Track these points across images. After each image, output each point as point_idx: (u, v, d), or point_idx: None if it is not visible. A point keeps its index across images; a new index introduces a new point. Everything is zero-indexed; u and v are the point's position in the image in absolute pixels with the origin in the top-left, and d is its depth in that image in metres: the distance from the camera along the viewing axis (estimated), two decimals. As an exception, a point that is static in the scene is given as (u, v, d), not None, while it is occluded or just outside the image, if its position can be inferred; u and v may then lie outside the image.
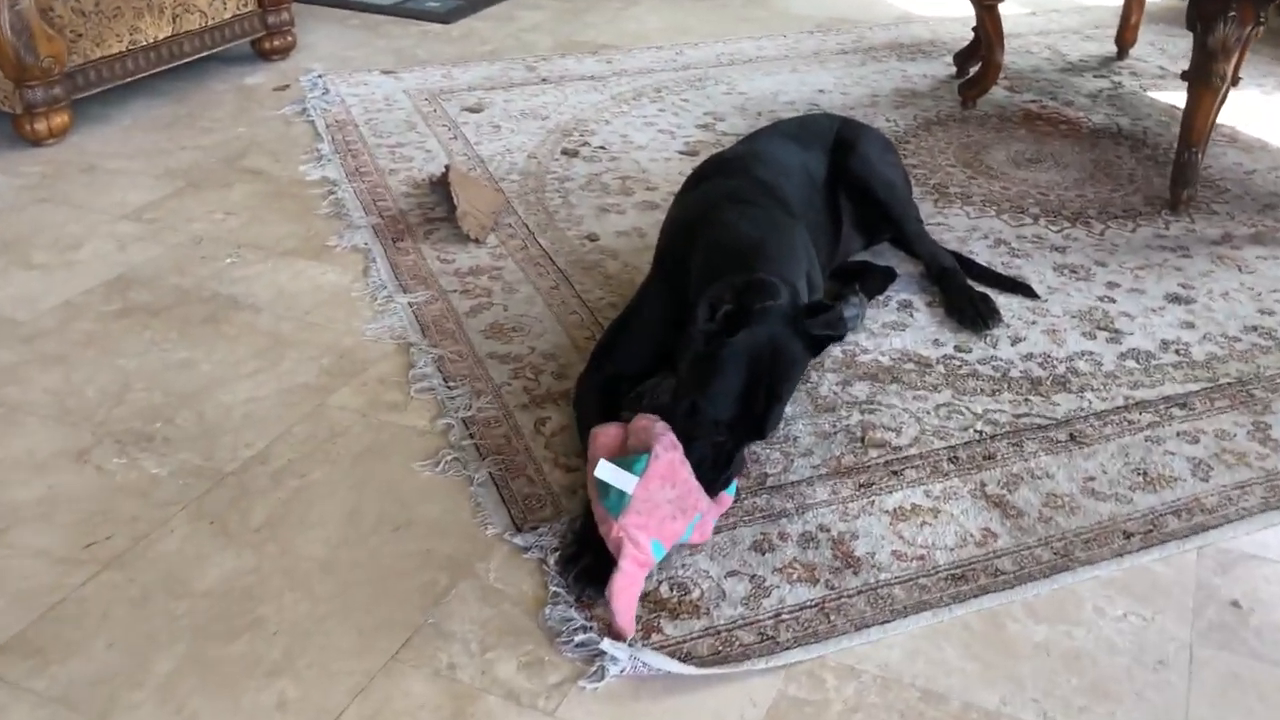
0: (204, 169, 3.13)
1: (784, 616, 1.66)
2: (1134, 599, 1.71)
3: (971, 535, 1.82)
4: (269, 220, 2.84)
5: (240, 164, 3.16)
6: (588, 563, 1.69)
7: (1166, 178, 3.05)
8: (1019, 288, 2.54)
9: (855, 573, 1.74)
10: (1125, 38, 4.12)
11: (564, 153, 3.26)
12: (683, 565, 1.75)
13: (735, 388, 1.76)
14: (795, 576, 1.73)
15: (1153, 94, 3.81)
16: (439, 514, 1.86)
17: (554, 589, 1.69)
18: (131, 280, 2.55)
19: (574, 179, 3.09)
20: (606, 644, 1.56)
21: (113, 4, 3.33)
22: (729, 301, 1.76)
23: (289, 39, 4.00)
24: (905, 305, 2.49)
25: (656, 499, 1.64)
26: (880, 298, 2.52)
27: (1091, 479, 1.96)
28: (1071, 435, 2.07)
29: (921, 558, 1.78)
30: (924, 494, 1.92)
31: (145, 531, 1.82)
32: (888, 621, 1.66)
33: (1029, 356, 2.30)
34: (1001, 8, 3.51)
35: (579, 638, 1.60)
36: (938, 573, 1.75)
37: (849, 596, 1.70)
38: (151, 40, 3.49)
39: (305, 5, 4.68)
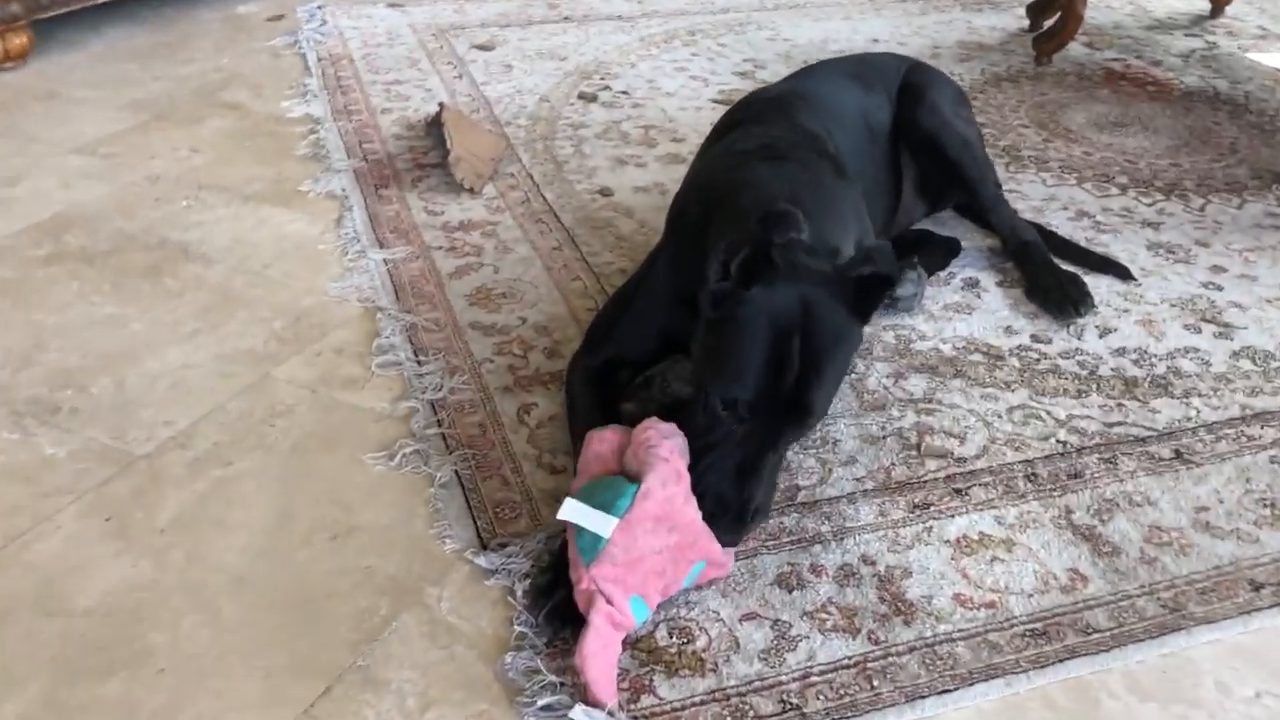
0: (174, 100, 2.77)
1: (813, 679, 1.28)
2: (1269, 674, 1.32)
3: (1055, 578, 1.44)
4: (238, 160, 2.48)
5: (217, 97, 2.80)
6: (563, 597, 1.32)
7: (1275, 148, 2.64)
8: (1111, 267, 2.14)
9: (907, 622, 1.36)
10: (1219, -7, 3.67)
11: (581, 96, 2.87)
12: (687, 603, 1.38)
13: (756, 355, 1.37)
14: (830, 624, 1.35)
15: (1253, 55, 3.37)
16: (388, 522, 1.50)
17: (519, 629, 1.33)
18: (69, 221, 2.20)
19: (590, 125, 2.70)
20: (579, 712, 1.19)
21: (85, -87, 2.96)
22: (743, 249, 1.38)
23: (289, -35, 3.62)
24: (971, 284, 2.09)
25: (642, 547, 1.28)
26: (942, 274, 2.12)
27: (1204, 509, 1.57)
28: (1177, 451, 1.68)
29: (992, 605, 1.39)
30: (994, 520, 1.53)
31: (23, 528, 1.47)
32: (948, 691, 1.28)
33: (1121, 351, 1.91)
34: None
35: (544, 700, 1.23)
36: (1012, 626, 1.37)
37: (898, 654, 1.32)
38: (130, -42, 3.11)
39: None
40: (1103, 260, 2.16)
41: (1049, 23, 3.31)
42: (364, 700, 1.24)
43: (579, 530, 1.31)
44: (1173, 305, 2.05)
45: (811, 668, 1.30)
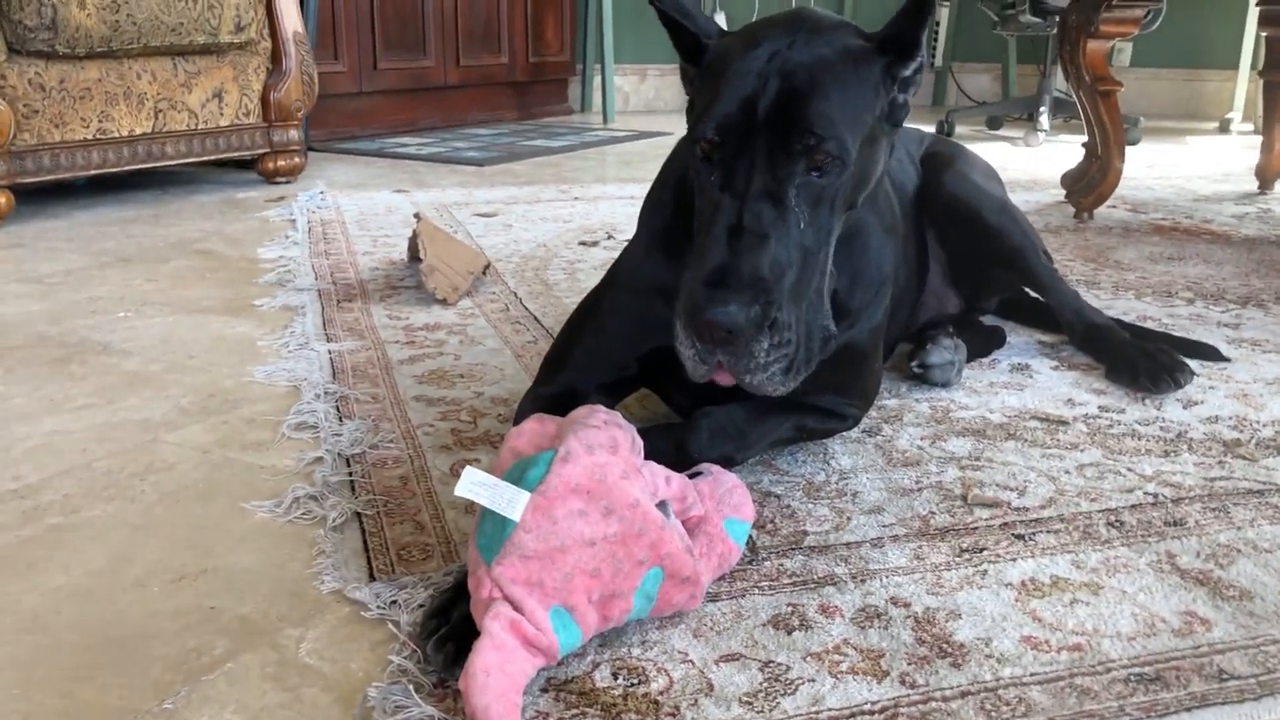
0: (144, 249, 2.58)
1: (819, 726, 0.86)
2: None
3: (1164, 620, 1.02)
4: (194, 286, 2.24)
5: (190, 247, 2.61)
6: (462, 617, 0.93)
7: (1358, 269, 2.33)
8: (1203, 350, 1.78)
9: (956, 665, 0.95)
10: (1270, 167, 3.47)
11: (581, 244, 2.65)
12: (642, 641, 0.98)
13: (732, 82, 1.07)
14: (845, 667, 0.94)
15: (1314, 214, 3.12)
16: (254, 564, 1.13)
17: (397, 662, 0.93)
18: (-15, 327, 1.94)
19: (586, 262, 2.46)
20: (454, 740, 0.78)
21: (81, 84, 2.89)
22: None
23: (296, 160, 3.55)
24: (1021, 368, 1.75)
25: (564, 534, 0.90)
26: (984, 360, 1.78)
27: (1359, 555, 1.15)
28: (1307, 502, 1.27)
29: (1077, 647, 0.98)
30: (1071, 564, 1.13)
31: None
32: (1022, 742, 0.85)
33: (1213, 420, 1.53)
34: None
35: (408, 732, 0.82)
36: (1109, 670, 0.94)
37: (944, 699, 0.90)
38: (126, 134, 3.03)
39: (327, 149, 4.31)
40: (1186, 343, 1.81)
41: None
42: (149, 747, 0.84)
43: (481, 524, 0.95)
44: (1270, 383, 1.69)
45: (817, 713, 0.88)
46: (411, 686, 0.89)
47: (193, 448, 1.42)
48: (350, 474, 1.32)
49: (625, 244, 1.43)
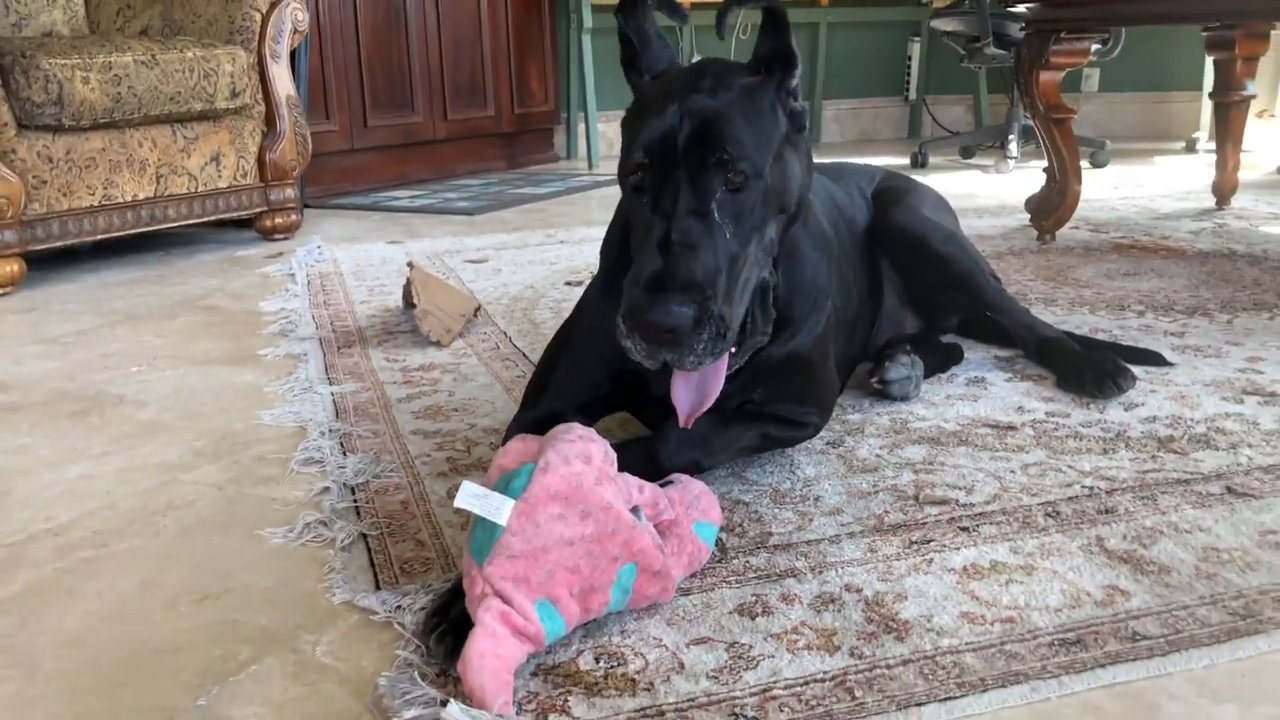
0: (151, 307, 2.71)
1: (777, 693, 0.98)
2: (1383, 667, 1.00)
3: (1089, 594, 1.15)
4: (201, 339, 2.37)
5: (195, 304, 2.74)
6: (459, 613, 1.05)
7: (1303, 277, 2.46)
8: (1147, 357, 1.91)
9: (900, 638, 1.07)
10: (1225, 185, 3.62)
11: (567, 284, 2.78)
12: (621, 630, 1.10)
13: (650, 118, 1.23)
14: (802, 644, 1.06)
15: (1267, 229, 3.26)
16: (272, 583, 1.25)
17: (404, 656, 1.05)
18: (7, 386, 2.07)
19: (571, 301, 2.57)
20: (452, 710, 0.90)
21: (86, 154, 3.04)
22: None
23: (292, 218, 3.69)
24: (976, 381, 1.88)
25: (547, 535, 1.03)
26: (942, 375, 1.90)
27: (1272, 532, 1.28)
28: (1229, 488, 1.40)
29: (1009, 620, 1.10)
30: (1009, 550, 1.25)
31: None
32: (953, 698, 0.97)
33: (1151, 419, 1.66)
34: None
35: (412, 712, 0.94)
36: (1037, 637, 1.06)
37: (888, 667, 1.02)
38: (130, 199, 3.17)
39: (322, 205, 4.46)
40: (1133, 350, 1.94)
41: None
42: (189, 735, 0.96)
43: (473, 531, 1.07)
44: (1207, 385, 1.81)
45: (775, 683, 1.00)
46: (417, 675, 1.01)
47: (209, 485, 1.55)
48: (355, 501, 1.44)
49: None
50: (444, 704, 0.91)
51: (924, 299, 2.00)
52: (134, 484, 1.56)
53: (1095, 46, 4.38)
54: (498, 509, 1.03)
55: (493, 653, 0.96)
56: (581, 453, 1.08)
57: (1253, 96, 3.49)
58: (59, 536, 1.39)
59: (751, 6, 1.30)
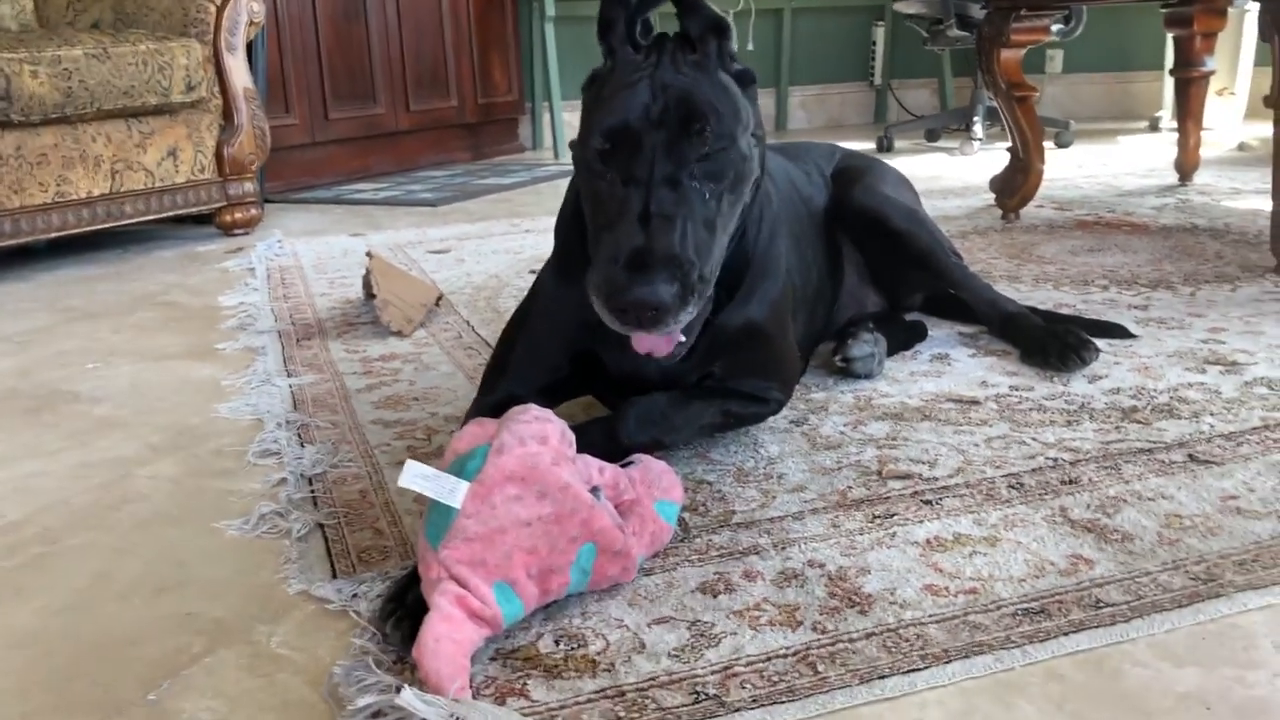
0: (107, 305, 2.67)
1: (738, 670, 0.97)
2: (1344, 627, 0.99)
3: (1051, 563, 1.14)
4: (158, 335, 2.34)
5: (153, 300, 2.70)
6: (415, 598, 1.03)
7: (1263, 254, 2.47)
8: (1108, 329, 1.91)
9: (863, 612, 1.06)
10: (1187, 162, 3.64)
11: (531, 272, 2.76)
12: (582, 612, 1.08)
13: (618, 98, 1.22)
14: (764, 620, 1.05)
15: (1229, 203, 3.27)
16: (227, 574, 1.22)
17: (360, 643, 1.03)
18: (-41, 385, 2.03)
19: (536, 288, 2.56)
20: (407, 696, 0.88)
21: (37, 150, 2.98)
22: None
23: (252, 212, 3.65)
24: (940, 357, 1.87)
25: (503, 516, 1.01)
26: (906, 353, 1.90)
27: (1233, 497, 1.28)
28: (1191, 456, 1.40)
29: (973, 591, 1.09)
30: (973, 523, 1.24)
31: None
32: (916, 670, 0.96)
33: (1115, 391, 1.66)
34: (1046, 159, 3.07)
35: (366, 699, 0.92)
36: (1000, 608, 1.06)
37: (850, 640, 1.01)
38: (84, 196, 3.12)
39: (284, 199, 4.41)
40: (1097, 324, 1.94)
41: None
42: (139, 729, 0.94)
43: (428, 515, 1.05)
44: (1170, 356, 1.82)
45: (737, 660, 0.99)
46: (373, 662, 0.99)
47: (164, 479, 1.52)
48: (313, 491, 1.42)
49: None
50: (398, 690, 0.89)
51: (886, 277, 2.00)
52: (88, 480, 1.53)
53: (1058, 26, 4.40)
54: (451, 491, 1.02)
55: (448, 637, 0.94)
56: (538, 434, 1.06)
57: (1212, 72, 3.50)
58: (9, 535, 1.36)
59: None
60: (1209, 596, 1.06)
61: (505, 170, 5.12)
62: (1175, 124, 3.67)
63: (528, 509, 1.02)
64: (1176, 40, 3.48)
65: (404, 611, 1.03)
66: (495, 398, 1.42)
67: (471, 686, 0.95)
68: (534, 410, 1.12)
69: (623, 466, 1.21)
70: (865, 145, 5.32)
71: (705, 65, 1.26)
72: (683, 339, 1.24)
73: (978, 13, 4.34)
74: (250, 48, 3.60)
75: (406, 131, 5.21)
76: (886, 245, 1.91)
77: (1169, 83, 5.60)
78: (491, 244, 3.20)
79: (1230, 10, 3.48)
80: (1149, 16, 5.76)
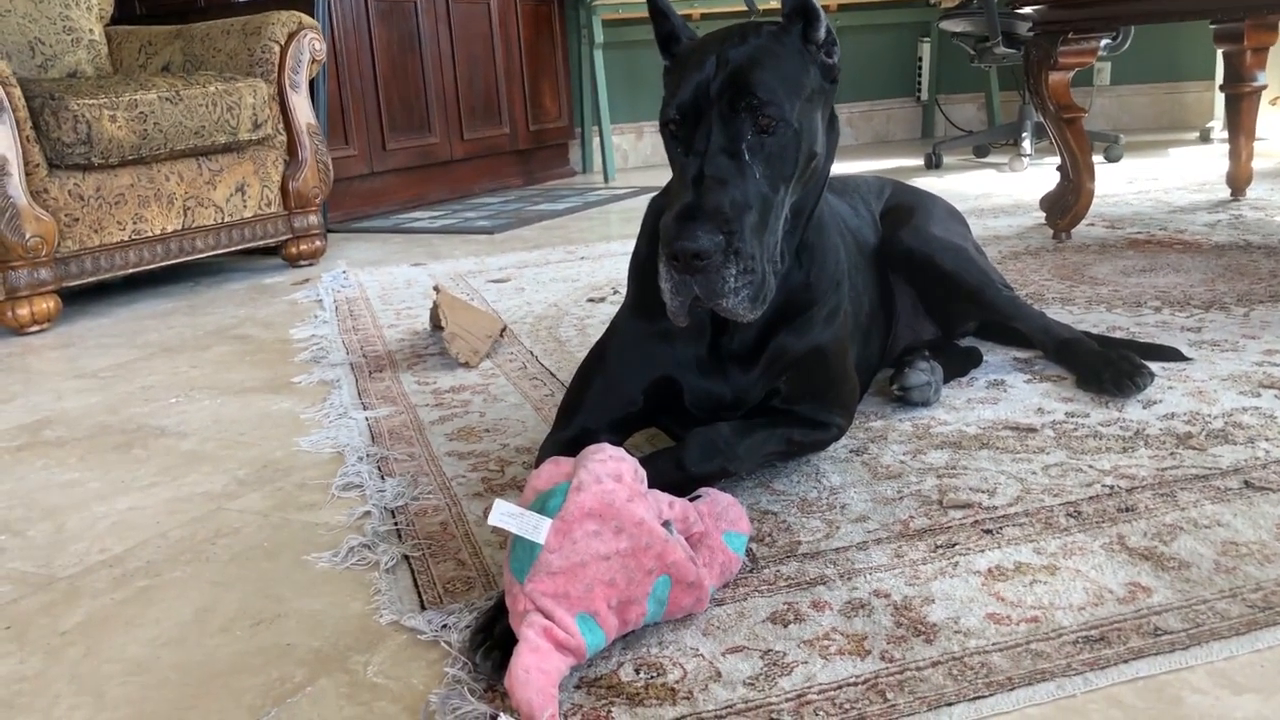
0: (184, 339, 2.78)
1: (811, 698, 1.02)
2: (1398, 654, 1.03)
3: (1110, 591, 1.18)
4: (236, 369, 2.43)
5: (227, 333, 2.81)
6: (504, 629, 1.10)
7: (1318, 267, 2.48)
8: (1165, 353, 1.95)
9: (929, 641, 1.11)
10: (1240, 176, 3.64)
11: (589, 300, 2.83)
12: (659, 642, 1.14)
13: (688, 72, 1.32)
14: (833, 649, 1.10)
15: (1283, 217, 3.27)
16: (322, 606, 1.30)
17: (453, 673, 1.09)
18: (51, 420, 2.13)
19: (595, 317, 2.64)
20: (503, 722, 0.95)
21: (115, 191, 3.11)
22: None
23: (317, 244, 3.76)
24: (996, 384, 1.91)
25: (584, 551, 1.07)
26: (963, 379, 1.94)
27: (1289, 524, 1.31)
28: (1247, 483, 1.43)
29: (1034, 620, 1.14)
30: (1033, 551, 1.29)
31: (-89, 642, 1.29)
32: (981, 697, 1.01)
33: (1169, 416, 1.69)
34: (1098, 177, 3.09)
35: (465, 724, 0.98)
36: (1061, 636, 1.10)
37: (918, 669, 1.06)
38: (159, 232, 3.25)
39: (345, 229, 4.52)
40: (1151, 347, 1.97)
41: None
42: (253, 755, 1.01)
43: (513, 550, 1.12)
44: (1224, 379, 1.84)
45: (810, 688, 1.04)
46: (466, 690, 1.05)
47: (254, 513, 1.60)
48: (396, 524, 1.49)
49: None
50: (494, 718, 0.95)
51: (938, 310, 2.04)
52: (182, 514, 1.61)
53: (1105, 42, 4.41)
54: (535, 528, 1.08)
55: (538, 667, 1.00)
56: (613, 472, 1.12)
57: (1263, 87, 3.50)
58: (114, 568, 1.45)
59: None
60: (1267, 624, 1.10)
61: (557, 195, 5.21)
62: (1226, 135, 3.68)
63: (606, 544, 1.08)
64: (1227, 56, 3.49)
65: (493, 642, 1.09)
66: (569, 432, 1.48)
67: (560, 714, 1.01)
68: (608, 449, 1.18)
69: (690, 500, 1.27)
70: (913, 162, 5.36)
71: (781, 39, 1.36)
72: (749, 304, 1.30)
73: (1025, 31, 4.37)
74: (312, 84, 3.71)
75: (461, 160, 5.32)
76: (937, 284, 1.95)
77: (1219, 93, 5.59)
78: (549, 271, 3.28)
79: (1281, 24, 3.48)
80: (1197, 27, 5.75)
